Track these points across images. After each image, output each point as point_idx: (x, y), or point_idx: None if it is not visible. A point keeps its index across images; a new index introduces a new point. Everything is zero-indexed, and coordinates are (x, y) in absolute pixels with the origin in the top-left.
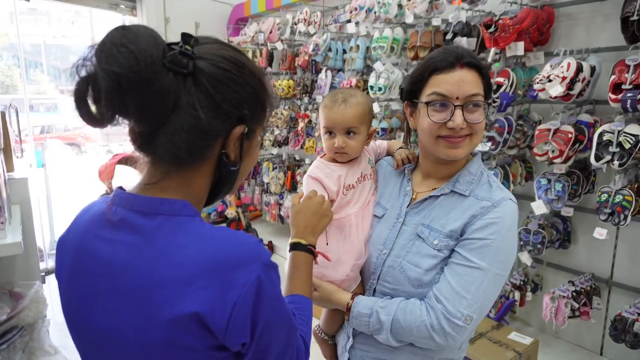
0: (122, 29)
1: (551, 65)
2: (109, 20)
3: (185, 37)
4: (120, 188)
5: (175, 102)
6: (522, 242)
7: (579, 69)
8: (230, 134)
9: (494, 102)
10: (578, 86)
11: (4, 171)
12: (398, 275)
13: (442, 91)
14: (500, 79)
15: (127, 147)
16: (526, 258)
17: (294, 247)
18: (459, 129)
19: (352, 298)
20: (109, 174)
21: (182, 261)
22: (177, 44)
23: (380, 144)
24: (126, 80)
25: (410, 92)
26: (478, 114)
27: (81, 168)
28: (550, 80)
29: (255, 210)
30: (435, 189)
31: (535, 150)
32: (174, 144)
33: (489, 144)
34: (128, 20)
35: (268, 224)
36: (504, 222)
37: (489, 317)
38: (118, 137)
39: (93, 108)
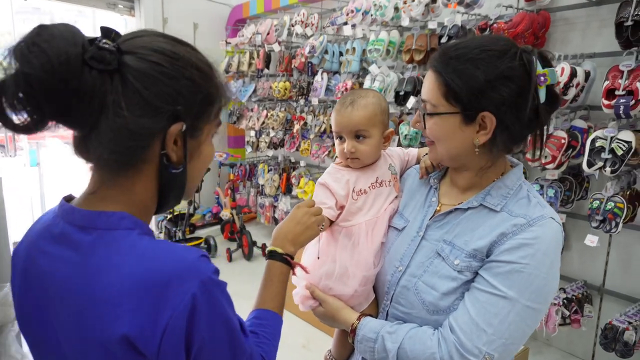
0: (38, 28)
1: None
2: (111, 20)
3: (105, 30)
4: (67, 198)
5: (102, 101)
6: None
7: (573, 74)
8: (167, 133)
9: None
10: (572, 91)
11: None
12: (412, 297)
13: None
14: None
15: None
16: None
17: (270, 255)
18: (422, 132)
19: (359, 319)
20: None
21: (113, 280)
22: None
23: (409, 151)
24: (38, 82)
25: None
26: (426, 120)
27: (79, 167)
28: None
29: (250, 212)
30: (462, 202)
31: (527, 155)
32: (103, 147)
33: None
34: (127, 20)
35: (262, 226)
36: (540, 245)
37: None
38: None
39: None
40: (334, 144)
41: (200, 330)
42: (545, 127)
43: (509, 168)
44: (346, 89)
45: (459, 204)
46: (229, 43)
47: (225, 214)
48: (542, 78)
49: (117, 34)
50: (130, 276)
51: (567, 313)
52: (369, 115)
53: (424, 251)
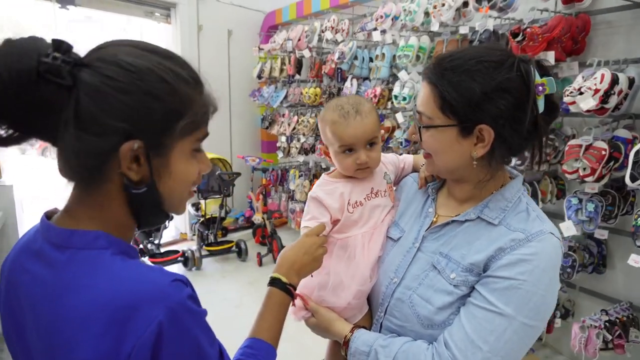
0: (4, 41)
1: (583, 77)
2: (157, 28)
3: (56, 43)
4: (48, 213)
5: (59, 117)
6: None
7: (615, 80)
8: (120, 152)
9: (465, 121)
10: (613, 99)
11: None
12: (407, 310)
13: None
14: None
15: None
16: None
17: (272, 282)
18: (419, 144)
19: (352, 331)
20: None
21: (81, 302)
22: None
23: (404, 158)
24: None
25: None
26: (422, 133)
27: None
28: (581, 93)
29: (281, 217)
30: (460, 214)
31: (564, 167)
32: (63, 163)
33: (514, 158)
34: (163, 28)
35: (293, 231)
36: (538, 261)
37: None
38: None
39: None
40: None
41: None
42: (544, 138)
43: (508, 179)
44: (375, 95)
45: (456, 215)
46: (262, 49)
47: (257, 218)
48: (540, 88)
49: (68, 45)
50: (96, 299)
51: (609, 337)
52: (376, 121)
53: (419, 263)
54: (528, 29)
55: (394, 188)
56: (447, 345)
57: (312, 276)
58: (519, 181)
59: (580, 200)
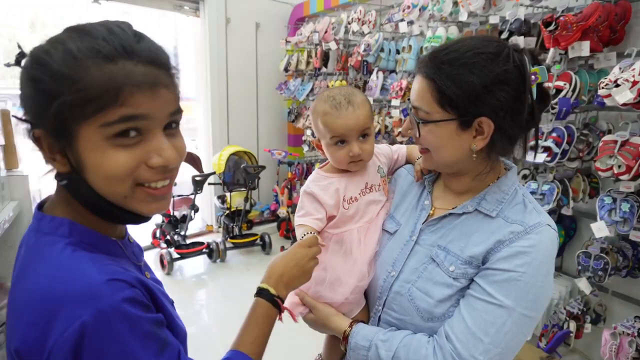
0: None
1: (620, 68)
2: (187, 22)
3: (19, 45)
4: (42, 201)
5: None
6: (580, 267)
7: None
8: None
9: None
10: None
11: None
12: (406, 303)
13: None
14: (560, 83)
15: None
16: (584, 285)
17: (260, 293)
18: (414, 139)
19: (351, 325)
20: None
21: (24, 289)
22: None
23: (398, 149)
24: None
25: None
26: (420, 128)
27: None
28: (617, 85)
29: None
30: (457, 206)
31: (597, 164)
32: None
33: (544, 154)
34: (192, 21)
35: None
36: (537, 253)
37: (538, 346)
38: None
39: None
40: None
41: None
42: (538, 126)
43: (504, 171)
44: (401, 88)
45: (453, 208)
46: (289, 42)
47: (282, 211)
48: (533, 77)
49: (21, 51)
50: (35, 287)
51: None
52: (369, 112)
53: (417, 256)
54: (561, 18)
55: (388, 179)
56: (448, 338)
57: None
58: (514, 172)
59: (615, 200)
